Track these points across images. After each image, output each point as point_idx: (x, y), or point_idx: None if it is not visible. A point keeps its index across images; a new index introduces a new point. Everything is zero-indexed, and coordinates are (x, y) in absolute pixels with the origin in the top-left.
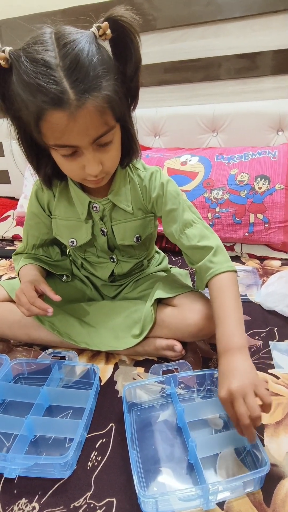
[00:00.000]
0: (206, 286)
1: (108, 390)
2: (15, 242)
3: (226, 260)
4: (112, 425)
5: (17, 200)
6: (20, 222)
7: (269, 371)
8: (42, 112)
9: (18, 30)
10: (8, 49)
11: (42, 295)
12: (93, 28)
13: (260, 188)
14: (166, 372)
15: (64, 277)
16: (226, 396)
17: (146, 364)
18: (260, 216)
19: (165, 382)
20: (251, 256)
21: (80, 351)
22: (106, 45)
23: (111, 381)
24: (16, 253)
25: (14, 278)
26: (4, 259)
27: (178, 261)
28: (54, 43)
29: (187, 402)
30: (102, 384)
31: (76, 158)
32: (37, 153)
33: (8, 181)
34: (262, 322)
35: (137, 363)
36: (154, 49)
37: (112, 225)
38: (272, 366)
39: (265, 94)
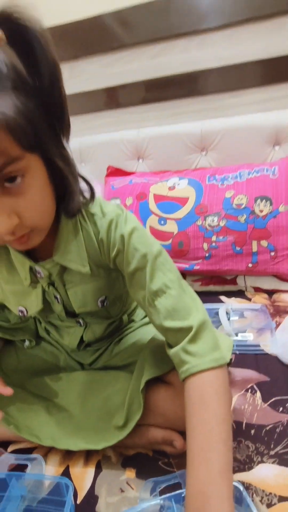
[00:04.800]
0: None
1: None
2: None
3: (211, 348)
4: None
5: None
6: None
7: None
8: None
9: None
10: None
11: None
12: None
13: (261, 211)
14: (165, 488)
15: (27, 343)
16: None
17: (138, 462)
18: (264, 243)
19: (165, 501)
20: (257, 289)
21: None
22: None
23: (91, 496)
24: None
25: None
26: None
27: None
28: None
29: None
30: (78, 502)
31: None
32: None
33: None
34: (285, 384)
35: (125, 461)
36: (132, 66)
37: (66, 289)
38: None
39: (258, 106)
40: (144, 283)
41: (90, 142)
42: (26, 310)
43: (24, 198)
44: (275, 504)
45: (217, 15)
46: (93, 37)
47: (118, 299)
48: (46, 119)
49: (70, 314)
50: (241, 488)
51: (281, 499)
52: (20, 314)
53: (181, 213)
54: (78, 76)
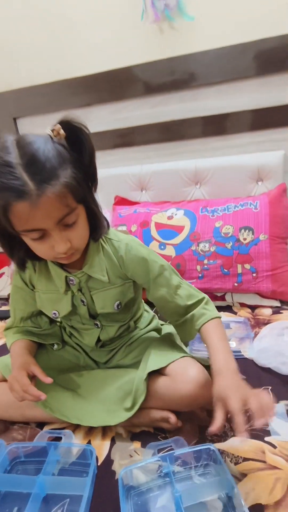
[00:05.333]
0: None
1: (105, 472)
2: None
3: (215, 309)
4: None
5: None
6: None
7: (266, 439)
8: (8, 205)
9: (7, 103)
10: None
11: (34, 377)
12: (48, 131)
13: (245, 239)
14: (162, 449)
15: (55, 346)
16: (240, 404)
17: (143, 437)
18: (247, 266)
19: (162, 460)
20: (242, 305)
21: (77, 425)
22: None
23: (108, 460)
24: (6, 328)
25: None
26: (0, 321)
27: None
28: (15, 146)
29: (184, 481)
30: (99, 464)
31: (45, 240)
32: (9, 241)
33: None
34: (257, 381)
35: (133, 436)
36: (136, 113)
37: (91, 294)
38: (269, 433)
39: (244, 148)
40: (164, 283)
41: (100, 175)
42: (58, 312)
43: (75, 231)
44: (240, 462)
45: (207, 75)
46: (104, 88)
47: (127, 306)
48: (86, 181)
49: (91, 316)
50: (217, 451)
51: (245, 459)
52: (53, 315)
53: (178, 239)
54: (91, 120)
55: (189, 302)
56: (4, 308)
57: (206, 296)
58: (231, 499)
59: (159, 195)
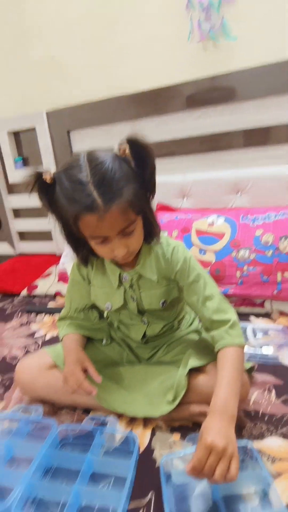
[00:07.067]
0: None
1: (146, 459)
2: (57, 298)
3: (239, 335)
4: (151, 497)
5: (59, 256)
6: (62, 278)
7: None
8: (79, 215)
9: (62, 118)
10: (52, 171)
11: (86, 372)
12: (115, 150)
13: (285, 248)
14: None
15: (104, 341)
16: (210, 444)
17: (182, 430)
18: (287, 274)
19: None
20: (282, 313)
21: (120, 414)
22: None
23: (149, 449)
24: (60, 319)
25: (56, 336)
26: (47, 315)
27: None
28: (86, 164)
29: None
30: (140, 452)
31: (106, 244)
32: (75, 240)
33: (51, 239)
34: None
35: (173, 429)
36: (179, 126)
37: (140, 292)
38: None
39: (283, 159)
40: (197, 290)
41: None
42: (111, 305)
43: (133, 238)
44: (276, 462)
45: (247, 91)
46: (150, 104)
47: (172, 304)
48: (145, 194)
49: (139, 312)
50: (254, 449)
51: (281, 460)
52: (107, 308)
53: (219, 245)
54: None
55: (214, 317)
56: (51, 304)
57: (234, 319)
58: (267, 495)
59: (200, 202)
